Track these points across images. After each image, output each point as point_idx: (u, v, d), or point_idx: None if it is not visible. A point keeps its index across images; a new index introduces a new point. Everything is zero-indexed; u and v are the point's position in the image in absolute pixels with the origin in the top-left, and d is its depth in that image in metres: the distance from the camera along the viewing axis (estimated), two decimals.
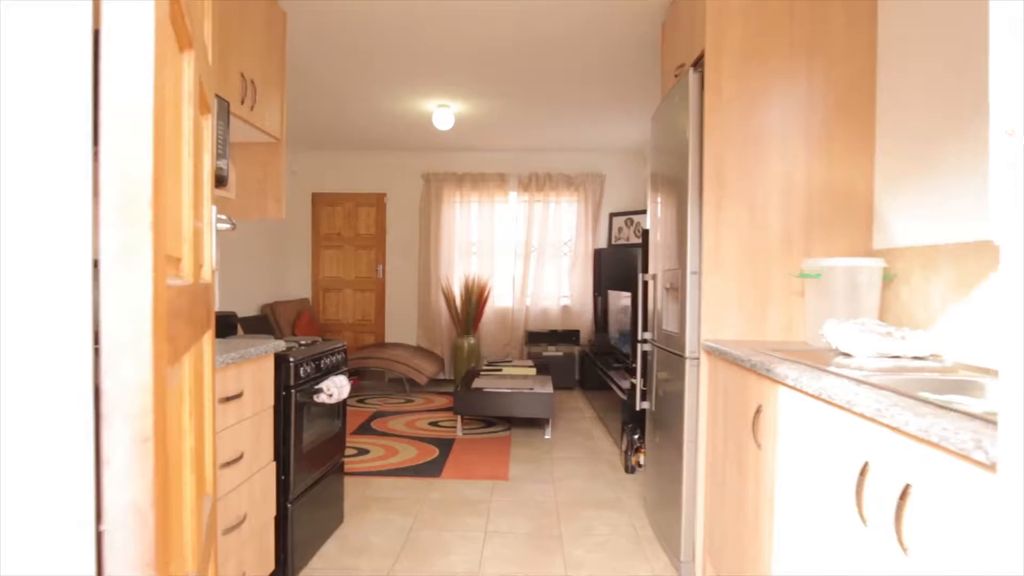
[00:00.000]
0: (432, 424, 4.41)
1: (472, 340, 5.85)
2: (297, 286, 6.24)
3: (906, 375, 1.35)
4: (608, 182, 6.09)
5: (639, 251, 5.90)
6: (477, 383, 4.19)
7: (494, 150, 6.06)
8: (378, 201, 6.23)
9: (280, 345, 2.03)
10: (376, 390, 5.72)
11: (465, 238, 6.09)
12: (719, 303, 2.08)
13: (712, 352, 1.98)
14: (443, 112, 4.51)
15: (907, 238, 1.89)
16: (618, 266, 5.80)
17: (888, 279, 1.91)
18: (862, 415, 1.10)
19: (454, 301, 5.90)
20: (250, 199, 2.63)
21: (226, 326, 2.61)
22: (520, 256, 6.08)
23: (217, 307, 2.79)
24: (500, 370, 4.72)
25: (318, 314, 6.25)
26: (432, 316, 6.11)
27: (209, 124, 1.28)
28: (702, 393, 2.09)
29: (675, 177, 2.31)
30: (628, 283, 5.77)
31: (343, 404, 2.62)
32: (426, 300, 6.13)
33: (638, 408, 2.76)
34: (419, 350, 5.94)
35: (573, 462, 3.59)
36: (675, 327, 2.30)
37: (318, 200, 6.25)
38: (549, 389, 4.07)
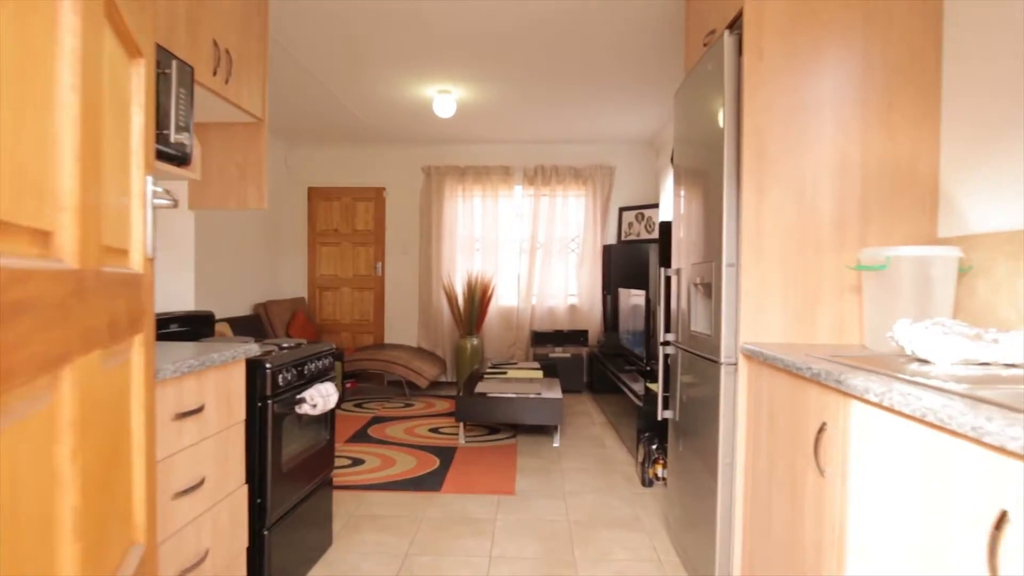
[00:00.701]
0: (433, 431, 4.14)
1: (475, 341, 5.58)
2: (292, 284, 5.98)
3: (1011, 388, 1.07)
4: (617, 175, 5.81)
5: (651, 247, 5.61)
6: (480, 387, 3.92)
7: (498, 142, 5.79)
8: (377, 196, 5.97)
9: (252, 349, 1.76)
10: (374, 393, 5.46)
11: (468, 234, 5.82)
12: (760, 300, 1.80)
13: (754, 357, 1.70)
14: (444, 99, 4.24)
15: (985, 223, 1.61)
16: (629, 263, 5.52)
17: (964, 271, 1.63)
18: (998, 448, 0.82)
19: (456, 300, 5.63)
20: (229, 186, 2.36)
21: (202, 327, 2.35)
22: (525, 253, 5.80)
23: (194, 306, 2.52)
24: (504, 372, 4.44)
25: (314, 314, 5.99)
26: (433, 316, 5.84)
27: (142, 74, 1.01)
28: (740, 404, 1.81)
29: (706, 158, 2.03)
30: (640, 280, 5.49)
31: (331, 413, 2.35)
32: (427, 299, 5.86)
33: (660, 417, 2.48)
34: (420, 351, 5.68)
35: (585, 474, 3.31)
36: (706, 328, 2.02)
37: (314, 195, 5.99)
38: (557, 394, 3.79)
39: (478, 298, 5.57)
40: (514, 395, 3.70)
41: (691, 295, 2.18)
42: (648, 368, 3.99)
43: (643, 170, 5.83)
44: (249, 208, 2.36)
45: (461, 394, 3.75)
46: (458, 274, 5.80)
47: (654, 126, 5.23)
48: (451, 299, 5.63)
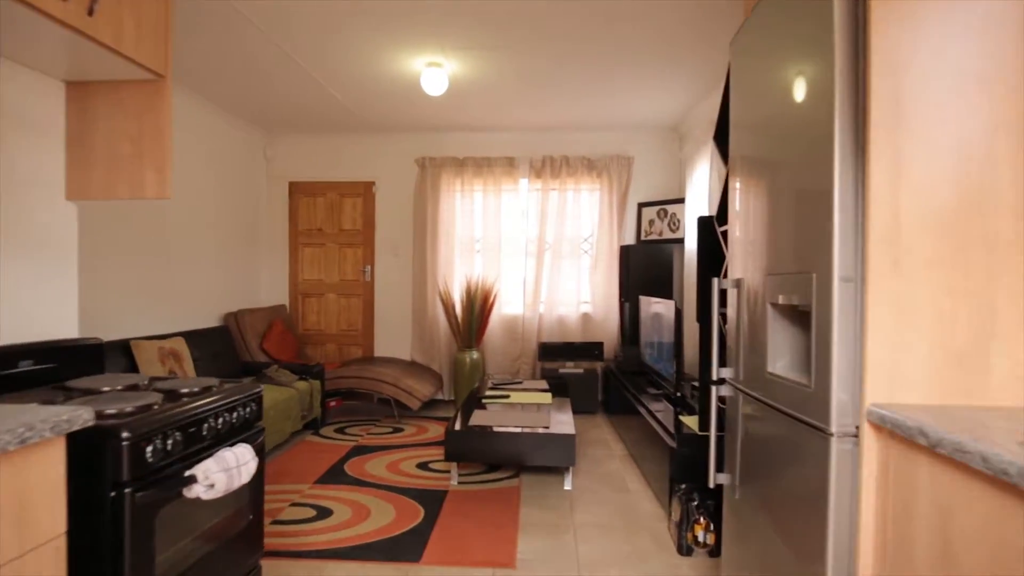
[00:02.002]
0: (421, 467, 3.49)
1: (475, 355, 4.92)
2: (271, 291, 5.35)
3: None
4: (636, 166, 5.12)
5: (675, 248, 4.93)
6: (477, 418, 3.26)
7: (500, 129, 5.13)
8: (365, 191, 5.33)
9: (81, 416, 1.10)
10: (362, 413, 4.82)
11: (467, 234, 5.17)
12: (899, 333, 1.13)
13: (896, 432, 1.02)
14: (433, 73, 3.58)
15: None
16: (650, 266, 4.84)
17: None
18: None
19: (453, 308, 4.98)
20: (119, 168, 1.73)
21: (83, 362, 1.71)
22: (532, 255, 5.14)
23: (77, 331, 1.85)
24: (507, 396, 3.78)
25: (296, 323, 5.37)
26: (428, 326, 5.19)
27: None
28: (867, 504, 1.13)
29: (795, 121, 1.36)
30: (662, 286, 4.80)
31: (258, 481, 1.70)
32: (421, 307, 5.21)
33: (712, 484, 1.81)
34: (413, 366, 5.03)
35: (604, 532, 2.64)
36: (798, 372, 1.35)
37: (296, 190, 5.36)
38: (570, 426, 3.12)
39: (478, 306, 4.92)
40: (518, 429, 3.03)
41: (765, 319, 1.51)
42: (678, 395, 3.31)
43: (666, 160, 5.14)
44: (147, 198, 1.72)
45: (454, 427, 3.09)
46: (456, 279, 5.15)
47: (678, 110, 4.55)
48: (448, 307, 4.98)
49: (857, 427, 1.15)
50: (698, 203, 4.26)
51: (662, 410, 3.29)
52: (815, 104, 1.25)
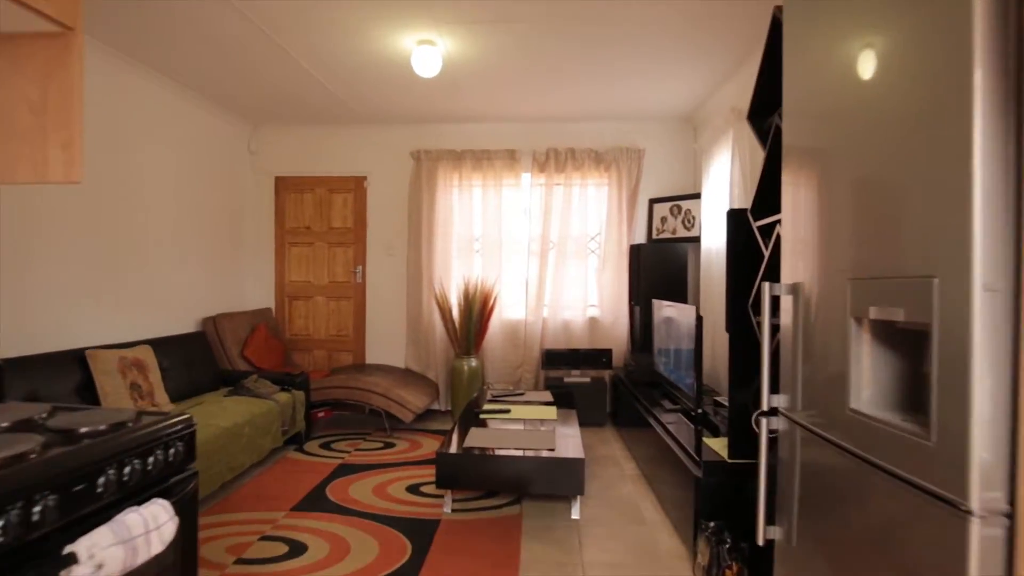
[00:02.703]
0: (411, 491, 3.13)
1: (474, 362, 4.57)
2: (256, 294, 5.01)
3: None
4: (648, 160, 4.76)
5: (691, 247, 4.56)
6: (473, 438, 2.90)
7: (501, 120, 4.77)
8: (357, 186, 4.98)
9: None
10: (352, 425, 4.47)
11: (466, 232, 4.81)
12: None
13: None
14: (425, 52, 3.23)
15: None
16: (662, 267, 4.47)
17: None
18: None
19: (450, 312, 4.62)
20: (18, 143, 1.37)
21: None
22: (535, 255, 4.78)
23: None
24: (507, 411, 3.42)
25: (283, 328, 5.02)
26: (424, 331, 4.83)
27: None
28: None
29: (892, 91, 0.99)
30: (676, 289, 4.44)
31: (184, 545, 1.34)
32: (416, 311, 4.86)
33: (762, 540, 1.44)
34: (407, 375, 4.68)
35: (618, 573, 2.28)
36: (899, 413, 0.99)
37: (282, 185, 5.01)
38: (578, 449, 2.77)
39: (477, 310, 4.56)
40: (519, 452, 2.67)
41: (844, 336, 1.14)
42: (699, 412, 2.94)
43: (679, 153, 4.77)
44: (52, 183, 1.37)
45: (447, 449, 2.73)
46: (453, 280, 4.79)
47: (693, 98, 4.18)
48: (444, 311, 4.62)
49: (1012, 505, 0.79)
50: (716, 198, 3.90)
51: (678, 425, 2.93)
52: (932, 61, 0.89)
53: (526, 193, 4.83)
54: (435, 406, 4.85)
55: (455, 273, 4.81)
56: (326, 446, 3.98)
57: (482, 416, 3.32)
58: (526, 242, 4.81)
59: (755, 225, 2.14)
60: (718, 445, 2.52)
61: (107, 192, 3.41)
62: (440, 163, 4.79)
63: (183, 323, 4.10)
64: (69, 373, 2.86)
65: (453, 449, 2.71)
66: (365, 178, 4.95)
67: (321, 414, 4.56)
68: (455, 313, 4.65)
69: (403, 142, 4.88)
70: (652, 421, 3.30)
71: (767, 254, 2.02)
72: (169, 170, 3.99)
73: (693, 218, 4.49)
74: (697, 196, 4.45)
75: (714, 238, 3.94)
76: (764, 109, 2.16)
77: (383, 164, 4.93)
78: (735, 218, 2.29)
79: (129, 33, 3.15)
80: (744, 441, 2.31)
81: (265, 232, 5.00)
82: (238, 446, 3.15)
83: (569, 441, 2.89)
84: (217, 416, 3.16)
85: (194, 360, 3.80)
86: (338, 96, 4.21)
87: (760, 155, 2.96)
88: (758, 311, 2.13)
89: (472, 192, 4.81)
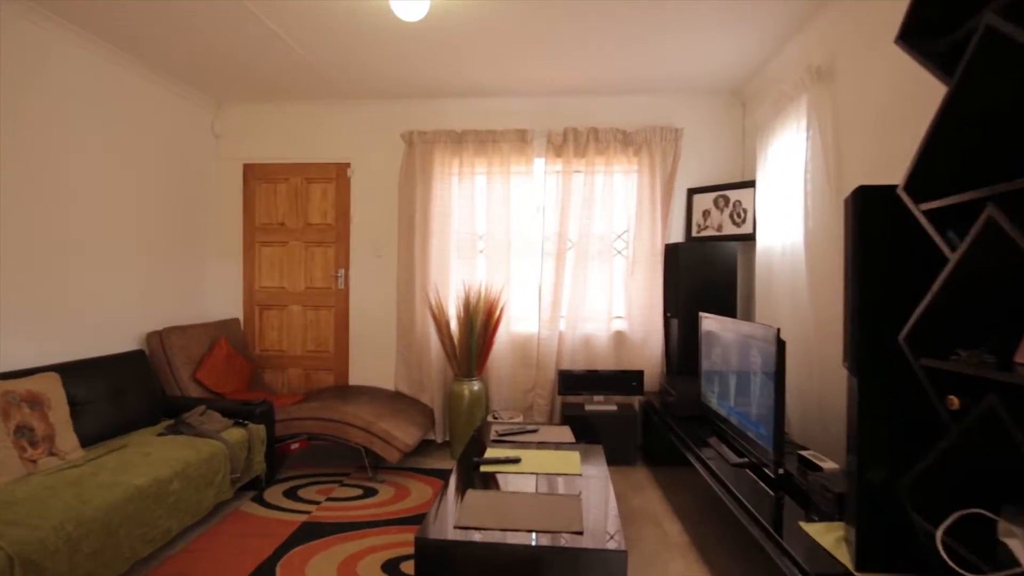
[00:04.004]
0: (388, 570, 2.35)
1: (476, 385, 3.79)
2: (220, 302, 4.25)
3: None
4: (687, 141, 3.95)
5: (740, 247, 3.75)
6: (468, 511, 2.10)
7: (509, 94, 3.99)
8: (339, 174, 4.21)
9: None
10: (330, 460, 3.69)
11: (467, 228, 4.03)
12: None
13: None
14: None
15: None
16: (705, 271, 3.67)
17: None
18: None
19: (447, 326, 3.83)
20: None
21: None
22: (550, 256, 3.98)
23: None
24: (517, 460, 2.62)
25: (251, 343, 4.26)
26: (417, 347, 4.05)
27: None
28: None
29: None
30: (721, 298, 3.63)
31: None
32: (408, 322, 4.08)
33: None
34: (395, 400, 3.90)
35: None
36: None
37: (252, 174, 4.26)
38: (615, 527, 1.96)
39: (480, 322, 3.77)
40: (531, 538, 1.88)
41: None
42: (781, 473, 2.13)
43: (725, 133, 3.96)
44: None
45: (428, 532, 1.93)
46: (452, 287, 4.01)
47: (744, 65, 3.37)
48: (440, 324, 3.84)
49: None
50: (778, 185, 3.09)
51: (742, 484, 2.13)
52: None
53: (539, 182, 4.04)
54: (431, 435, 4.07)
55: (454, 278, 4.02)
56: (291, 493, 3.20)
57: (484, 468, 2.53)
58: (539, 241, 4.02)
59: (920, 209, 1.33)
60: (827, 539, 1.71)
61: (16, 184, 2.66)
62: (437, 146, 4.01)
63: (120, 340, 3.35)
64: None
65: (439, 532, 1.92)
66: (348, 165, 4.19)
67: (295, 445, 3.79)
68: (453, 326, 3.87)
69: (392, 122, 4.11)
70: (701, 469, 2.50)
71: (956, 257, 1.21)
72: (106, 155, 3.24)
73: (744, 211, 3.68)
74: (750, 184, 3.64)
75: (775, 235, 3.13)
76: (932, 25, 1.35)
77: (369, 148, 4.16)
78: (874, 199, 1.48)
79: None
80: (881, 542, 1.50)
81: (231, 229, 4.25)
82: (162, 508, 2.39)
83: (600, 510, 2.09)
84: (133, 469, 2.40)
85: (126, 388, 3.04)
86: (310, 63, 3.44)
87: (861, 121, 2.15)
88: (921, 348, 1.33)
89: (475, 181, 4.03)
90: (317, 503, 3.07)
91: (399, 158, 4.11)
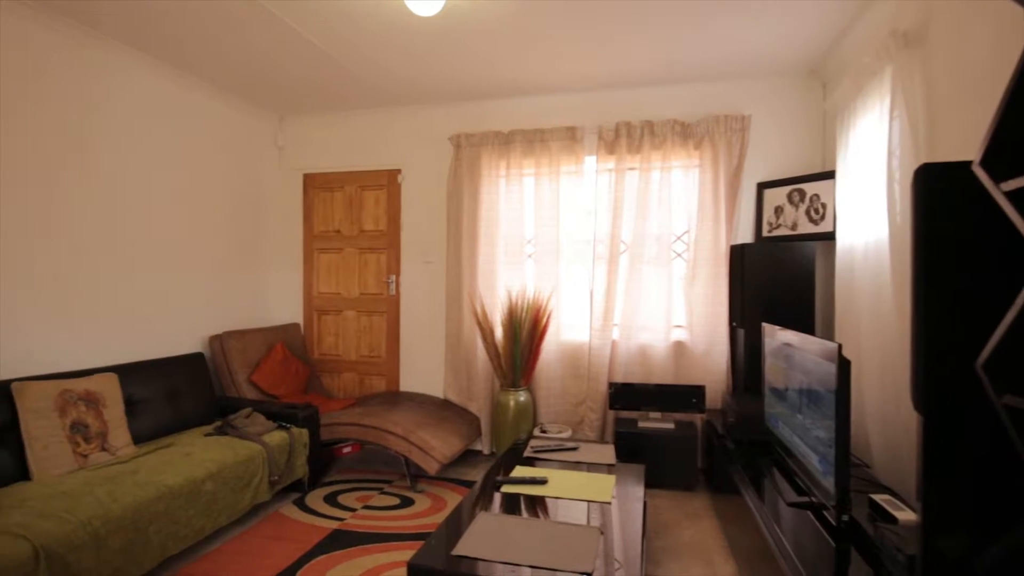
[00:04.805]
0: None
1: (522, 396, 3.62)
2: (283, 307, 4.42)
3: None
4: (755, 131, 3.54)
5: (819, 247, 3.29)
6: (472, 537, 1.94)
7: (557, 90, 3.79)
8: (390, 181, 4.24)
9: None
10: (378, 465, 3.68)
11: (516, 232, 3.88)
12: None
13: None
14: None
15: None
16: (777, 275, 3.24)
17: None
18: None
19: (492, 333, 3.70)
20: None
21: None
22: (602, 259, 3.73)
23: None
24: (544, 480, 2.41)
25: (310, 347, 4.38)
26: (464, 354, 3.96)
27: None
28: None
29: None
30: (798, 306, 3.19)
31: None
32: (456, 329, 4.00)
33: None
34: (442, 409, 3.83)
35: None
36: None
37: (310, 183, 4.40)
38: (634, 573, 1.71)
39: (526, 330, 3.60)
40: (529, 573, 1.68)
41: None
42: (846, 520, 1.76)
43: (801, 118, 3.50)
44: None
45: (425, 559, 1.79)
46: (499, 293, 3.88)
47: (821, 37, 2.94)
48: (485, 331, 3.71)
49: None
50: (863, 174, 2.64)
51: (802, 530, 1.78)
52: None
53: (590, 181, 3.80)
54: (477, 446, 3.95)
55: (501, 283, 3.88)
56: (331, 498, 3.21)
57: (505, 489, 2.35)
58: (591, 243, 3.78)
59: (1001, 190, 0.99)
60: None
61: (88, 193, 2.90)
62: (484, 148, 3.90)
63: (184, 343, 3.55)
64: None
65: (432, 558, 1.78)
66: (399, 171, 4.19)
67: (348, 449, 3.84)
68: (498, 334, 3.72)
69: (440, 126, 4.06)
70: (753, 504, 2.15)
71: None
72: (178, 169, 3.47)
73: (823, 206, 3.22)
74: (829, 175, 3.18)
75: (859, 232, 2.67)
76: None
77: (418, 154, 4.14)
78: (941, 180, 1.15)
79: (123, 19, 2.59)
80: None
81: (292, 237, 4.41)
82: (194, 508, 2.45)
83: (622, 546, 1.84)
84: (171, 468, 2.48)
85: (184, 388, 3.21)
86: (358, 75, 3.47)
87: (958, 93, 1.74)
88: (1005, 379, 0.99)
89: (523, 183, 3.87)
90: (353, 510, 3.05)
91: (447, 162, 4.06)
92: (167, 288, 3.44)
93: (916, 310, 1.20)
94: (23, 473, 2.34)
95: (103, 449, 2.59)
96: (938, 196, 1.16)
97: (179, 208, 3.51)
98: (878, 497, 1.86)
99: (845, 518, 1.75)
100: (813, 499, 2.03)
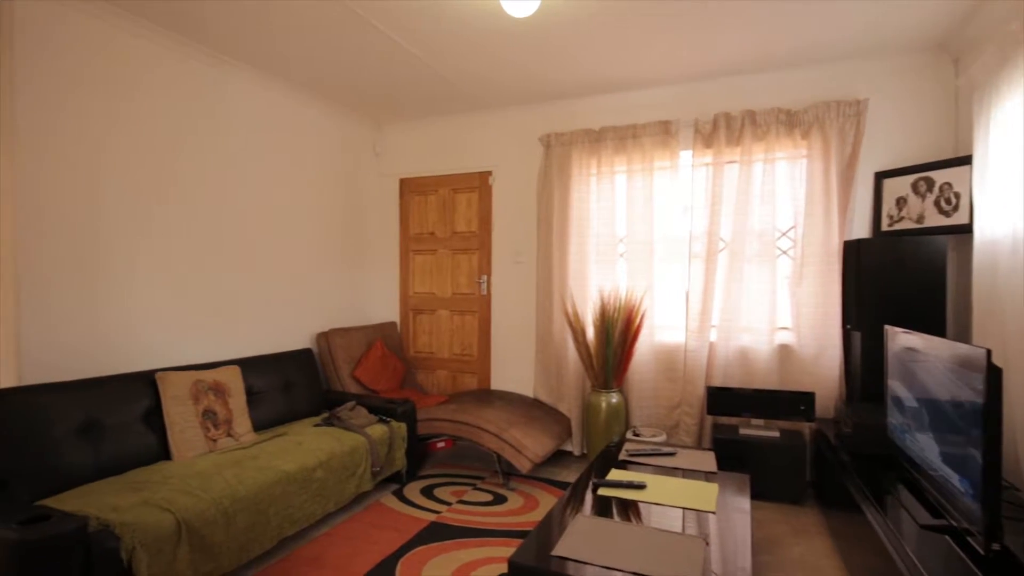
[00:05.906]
0: None
1: (615, 398, 3.55)
2: (381, 306, 4.65)
3: None
4: (872, 115, 3.25)
5: (950, 241, 2.95)
6: (571, 539, 1.92)
7: (650, 84, 3.69)
8: (481, 183, 4.32)
9: None
10: (471, 461, 3.78)
11: (607, 231, 3.82)
12: None
13: None
14: None
15: None
16: (900, 273, 2.95)
17: None
18: None
19: (584, 334, 3.67)
20: None
21: None
22: (699, 258, 3.58)
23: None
24: (643, 486, 2.35)
25: (406, 345, 4.57)
26: (555, 355, 3.95)
27: None
28: None
29: None
30: (925, 307, 2.89)
31: None
32: (546, 329, 4.00)
33: None
34: (533, 408, 3.85)
35: None
36: None
37: (407, 188, 4.58)
38: None
39: (618, 330, 3.53)
40: None
41: None
42: (996, 549, 1.56)
43: (928, 99, 3.16)
44: None
45: (524, 557, 1.81)
46: (590, 292, 3.83)
47: (952, 6, 2.62)
48: (576, 331, 3.68)
49: None
50: (1004, 157, 2.33)
51: (931, 549, 1.59)
52: None
53: (686, 177, 3.66)
54: (567, 446, 3.93)
55: (592, 283, 3.84)
56: (428, 491, 3.33)
57: (602, 492, 2.32)
58: (686, 242, 3.64)
59: None
60: None
61: (210, 201, 3.21)
62: (574, 147, 3.87)
63: (294, 339, 3.83)
64: (138, 398, 2.60)
65: (534, 558, 1.78)
66: (490, 173, 4.27)
67: (441, 444, 3.97)
68: (590, 334, 3.68)
69: (531, 126, 4.09)
70: (877, 524, 1.96)
71: None
72: (287, 178, 3.75)
73: (956, 196, 2.88)
74: (964, 161, 2.84)
75: (1004, 223, 2.37)
76: None
77: (509, 155, 4.19)
78: None
79: (229, 32, 2.86)
80: None
81: (389, 239, 4.62)
82: (306, 494, 2.63)
83: (730, 558, 1.75)
84: (286, 455, 2.68)
85: (297, 381, 3.46)
86: (451, 80, 3.58)
87: None
88: None
89: (614, 180, 3.80)
90: (449, 504, 3.14)
91: (537, 163, 4.07)
92: (280, 289, 3.72)
93: None
94: (165, 453, 2.62)
95: (229, 435, 2.85)
96: None
97: (290, 216, 3.79)
98: None
99: (995, 546, 1.55)
100: (952, 522, 1.82)
